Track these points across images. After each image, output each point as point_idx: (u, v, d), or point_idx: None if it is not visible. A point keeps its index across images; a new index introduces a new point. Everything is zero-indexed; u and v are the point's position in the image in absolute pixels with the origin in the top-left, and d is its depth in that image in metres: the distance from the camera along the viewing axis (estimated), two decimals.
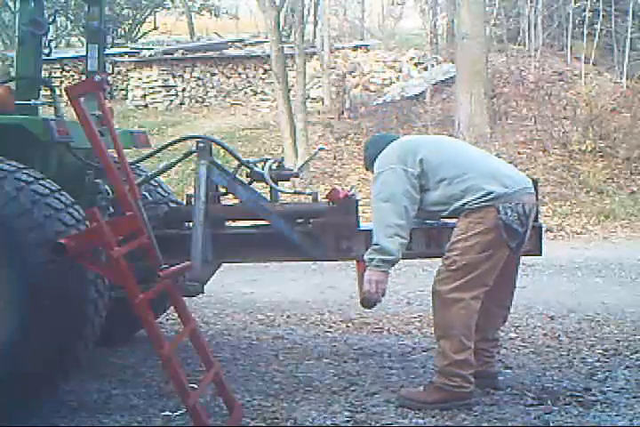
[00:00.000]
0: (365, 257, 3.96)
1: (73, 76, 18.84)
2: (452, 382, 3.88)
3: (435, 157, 4.00)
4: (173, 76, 18.57)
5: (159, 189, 5.06)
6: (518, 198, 3.91)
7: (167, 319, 5.71)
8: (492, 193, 3.86)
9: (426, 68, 17.46)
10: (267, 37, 15.76)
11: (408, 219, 3.93)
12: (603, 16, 17.45)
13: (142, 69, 18.63)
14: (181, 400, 3.42)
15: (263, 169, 4.65)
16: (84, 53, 5.00)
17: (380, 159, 4.11)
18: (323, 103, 17.14)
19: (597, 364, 4.70)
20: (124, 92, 19.23)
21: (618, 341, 5.24)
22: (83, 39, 17.05)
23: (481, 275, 3.90)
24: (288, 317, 6.07)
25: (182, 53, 18.74)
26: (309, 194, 4.80)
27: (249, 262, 5.22)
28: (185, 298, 3.95)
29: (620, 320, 5.82)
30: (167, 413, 3.88)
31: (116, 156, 3.83)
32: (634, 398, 4.05)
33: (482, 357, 4.13)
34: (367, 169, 4.47)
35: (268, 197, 4.79)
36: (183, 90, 18.64)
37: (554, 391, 4.12)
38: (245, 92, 18.62)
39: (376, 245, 3.89)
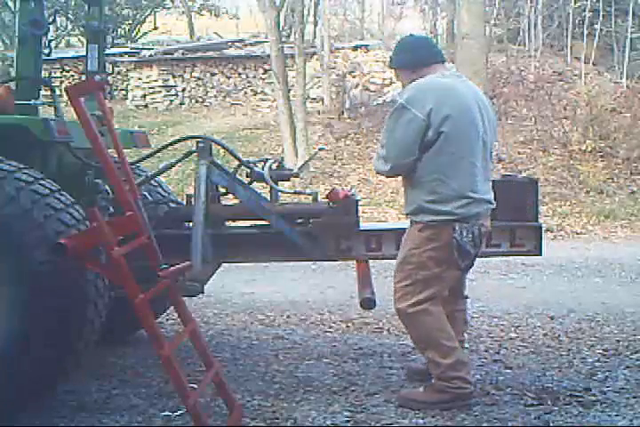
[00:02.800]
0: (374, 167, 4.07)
1: (73, 76, 18.85)
2: (452, 385, 3.89)
3: (450, 143, 3.77)
4: (173, 76, 18.58)
5: (159, 189, 5.07)
6: (475, 221, 3.85)
7: (167, 319, 5.70)
8: (452, 214, 3.79)
9: None
10: (267, 37, 15.75)
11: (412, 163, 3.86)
12: (603, 16, 17.46)
13: (142, 69, 18.64)
14: (181, 400, 3.42)
15: (263, 169, 4.65)
16: (84, 53, 5.00)
17: (416, 90, 3.84)
18: (323, 103, 17.13)
19: (597, 364, 4.70)
20: (124, 92, 19.24)
21: (618, 341, 5.24)
22: (83, 39, 17.05)
23: (436, 289, 3.91)
24: (288, 317, 6.07)
25: (182, 53, 18.74)
26: (309, 194, 4.80)
27: (249, 262, 5.22)
28: (185, 298, 3.95)
29: (620, 320, 5.82)
30: (167, 413, 3.88)
31: (116, 156, 3.83)
32: (634, 398, 4.05)
33: None
34: (391, 67, 4.18)
35: (268, 197, 4.80)
36: (183, 90, 18.65)
37: (554, 391, 4.12)
38: (245, 92, 18.61)
39: (381, 169, 3.97)
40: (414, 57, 4.00)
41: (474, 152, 3.88)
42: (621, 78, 16.47)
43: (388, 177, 4.18)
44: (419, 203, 3.87)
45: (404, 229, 4.41)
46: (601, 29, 17.37)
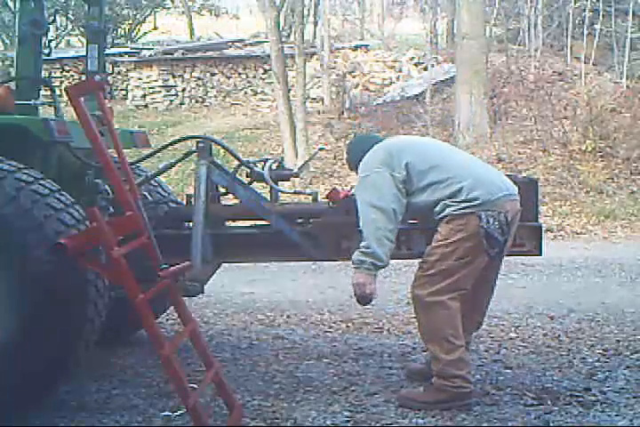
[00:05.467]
0: (355, 258, 3.93)
1: (73, 76, 18.86)
2: (451, 383, 3.88)
3: (421, 162, 3.97)
4: (173, 76, 18.59)
5: (159, 189, 5.06)
6: (501, 206, 3.89)
7: (167, 319, 5.70)
8: (476, 200, 3.85)
9: (426, 68, 17.46)
10: (267, 37, 15.75)
11: (397, 223, 3.93)
12: (603, 16, 17.47)
13: (142, 69, 18.64)
14: (181, 400, 3.42)
15: (263, 169, 4.65)
16: (84, 53, 5.00)
17: (364, 162, 4.08)
18: (323, 103, 17.14)
19: (597, 364, 4.70)
20: (123, 92, 19.25)
21: (618, 341, 5.24)
22: (83, 39, 17.05)
23: (459, 280, 3.91)
24: (288, 317, 6.07)
25: (182, 53, 18.74)
26: (309, 194, 4.80)
27: (249, 262, 5.22)
28: (185, 298, 3.94)
29: (620, 320, 5.82)
30: (167, 413, 3.87)
31: (116, 156, 3.83)
32: (634, 398, 4.05)
33: None
34: (351, 170, 4.45)
35: (268, 197, 4.79)
36: (183, 90, 18.65)
37: (554, 391, 4.12)
38: (245, 92, 18.63)
39: (367, 248, 3.88)
40: (359, 152, 4.22)
41: (451, 153, 4.21)
42: (621, 78, 16.46)
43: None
44: (442, 204, 3.92)
45: (403, 228, 4.41)
46: (601, 29, 17.37)
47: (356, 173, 4.25)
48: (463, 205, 3.87)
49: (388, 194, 3.92)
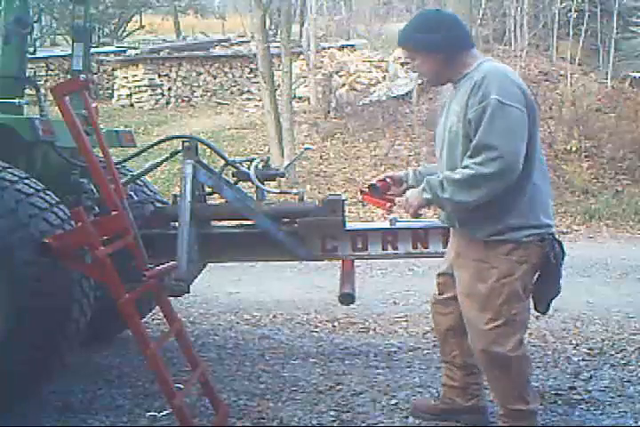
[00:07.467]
0: (431, 184, 3.15)
1: (58, 74, 18.77)
2: None
3: (534, 140, 3.14)
4: (159, 76, 18.53)
5: (145, 189, 5.05)
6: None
7: (153, 319, 5.69)
8: (545, 226, 3.28)
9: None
10: (253, 37, 15.72)
11: None
12: (588, 16, 17.54)
13: (128, 68, 18.57)
14: (167, 400, 3.41)
15: (249, 169, 4.64)
16: (70, 52, 4.98)
17: (502, 87, 3.03)
18: (309, 103, 17.12)
19: (582, 363, 4.72)
20: (109, 92, 19.18)
21: (603, 340, 5.26)
22: (68, 38, 16.98)
23: (526, 323, 3.45)
24: (274, 316, 6.06)
25: (168, 53, 18.70)
26: (296, 193, 4.80)
27: (235, 262, 5.21)
28: (171, 298, 3.93)
29: (605, 319, 5.84)
30: (153, 413, 3.87)
31: (101, 155, 3.81)
32: (619, 396, 4.07)
33: (470, 391, 3.73)
34: (401, 44, 3.30)
35: (254, 197, 4.79)
36: (169, 89, 18.60)
37: (539, 390, 4.13)
38: (231, 92, 18.61)
39: (450, 199, 3.10)
40: (452, 38, 3.16)
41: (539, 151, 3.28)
42: (606, 79, 16.54)
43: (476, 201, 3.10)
44: (509, 220, 3.19)
45: (391, 229, 4.40)
46: (586, 30, 17.44)
47: (419, 55, 3.24)
48: (535, 231, 3.25)
49: (523, 150, 3.04)
